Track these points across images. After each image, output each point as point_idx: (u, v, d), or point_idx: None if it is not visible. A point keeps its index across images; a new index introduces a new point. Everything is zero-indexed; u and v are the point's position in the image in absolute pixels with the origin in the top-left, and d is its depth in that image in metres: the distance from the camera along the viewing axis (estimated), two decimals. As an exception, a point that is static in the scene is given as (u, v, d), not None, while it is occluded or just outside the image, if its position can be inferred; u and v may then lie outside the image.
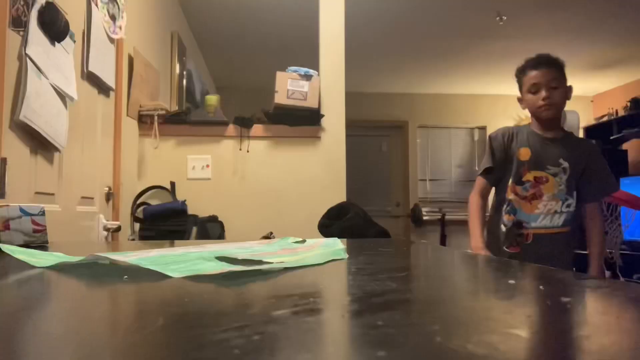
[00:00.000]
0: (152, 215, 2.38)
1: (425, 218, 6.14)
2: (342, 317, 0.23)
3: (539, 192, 1.66)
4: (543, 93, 1.63)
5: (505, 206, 1.71)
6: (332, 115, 2.70)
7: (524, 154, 1.69)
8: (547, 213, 1.66)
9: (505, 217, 1.70)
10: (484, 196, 1.75)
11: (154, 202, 2.51)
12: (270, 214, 2.62)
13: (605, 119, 5.62)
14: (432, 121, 6.35)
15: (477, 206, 1.71)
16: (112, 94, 2.20)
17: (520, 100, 1.75)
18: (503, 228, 1.71)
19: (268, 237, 2.45)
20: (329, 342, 0.19)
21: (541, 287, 0.35)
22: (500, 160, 1.73)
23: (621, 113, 5.39)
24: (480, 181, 1.74)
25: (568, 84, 1.69)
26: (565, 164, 1.66)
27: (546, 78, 1.64)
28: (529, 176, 1.67)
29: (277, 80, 2.60)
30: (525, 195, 1.67)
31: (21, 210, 0.64)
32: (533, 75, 1.67)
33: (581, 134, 5.48)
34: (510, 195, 1.69)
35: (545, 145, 1.70)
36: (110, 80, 2.11)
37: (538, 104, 1.65)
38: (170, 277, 0.36)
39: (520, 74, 1.73)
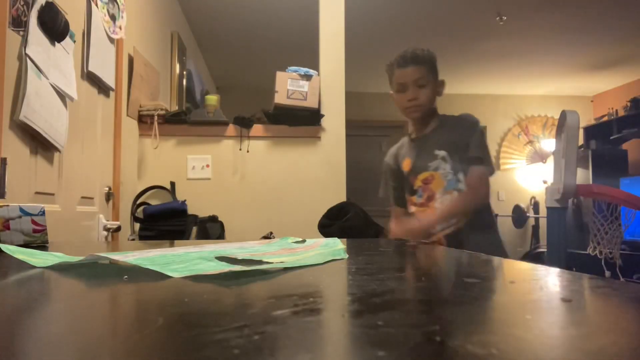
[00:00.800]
0: (152, 215, 2.38)
1: (425, 218, 6.13)
2: (342, 317, 0.23)
3: (430, 193, 1.58)
4: (409, 94, 1.56)
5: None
6: (332, 115, 2.70)
7: (407, 164, 1.64)
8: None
9: None
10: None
11: (154, 202, 2.51)
12: (270, 214, 2.62)
13: (605, 119, 5.62)
14: (432, 121, 6.36)
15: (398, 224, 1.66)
16: (112, 93, 2.20)
17: (392, 97, 1.67)
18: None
19: (268, 237, 2.45)
20: (329, 342, 0.19)
21: (541, 287, 0.35)
22: (397, 182, 1.70)
23: (621, 113, 5.39)
24: (395, 210, 1.70)
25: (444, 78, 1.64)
26: (442, 153, 1.55)
27: (412, 77, 1.56)
28: (418, 182, 1.60)
29: (277, 80, 2.60)
30: (421, 202, 1.59)
31: (21, 210, 0.64)
32: (399, 74, 1.59)
33: (581, 134, 5.47)
34: (412, 208, 1.63)
35: (420, 145, 1.63)
36: (110, 80, 2.11)
37: (405, 104, 1.58)
38: (170, 277, 0.36)
39: (388, 70, 1.65)
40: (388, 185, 1.73)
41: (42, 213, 0.67)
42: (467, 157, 1.55)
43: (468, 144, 1.56)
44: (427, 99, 1.57)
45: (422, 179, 1.58)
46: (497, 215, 5.88)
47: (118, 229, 2.15)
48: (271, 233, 2.50)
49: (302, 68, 2.64)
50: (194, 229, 2.45)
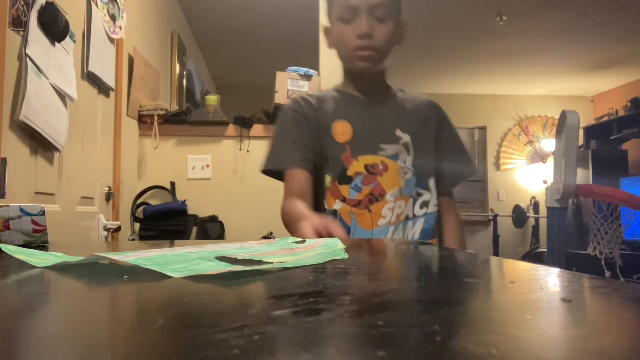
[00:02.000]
0: (152, 215, 2.38)
1: (425, 218, 6.13)
2: (342, 317, 0.23)
3: (378, 189, 1.05)
4: (362, 25, 1.01)
5: None
6: (332, 115, 2.70)
7: (342, 130, 1.07)
8: (396, 222, 1.05)
9: None
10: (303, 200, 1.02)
11: (154, 202, 2.51)
12: (270, 214, 2.61)
13: (605, 119, 5.62)
14: (432, 121, 6.35)
15: (290, 208, 0.98)
16: (112, 93, 2.20)
17: (327, 33, 1.12)
18: None
19: (268, 237, 2.45)
20: (329, 342, 0.19)
21: (541, 287, 0.35)
22: (310, 144, 1.06)
23: (621, 113, 5.39)
24: (291, 179, 1.04)
25: (402, 20, 1.10)
26: (405, 137, 1.08)
27: (368, 2, 1.02)
28: (357, 166, 1.05)
29: (277, 80, 2.60)
30: (358, 199, 1.04)
31: (21, 210, 0.64)
32: None
33: (581, 134, 5.47)
34: (334, 204, 1.05)
35: (369, 112, 1.10)
36: (110, 80, 2.11)
37: (352, 42, 1.03)
38: (170, 277, 0.36)
39: None
40: (286, 143, 1.07)
41: (42, 213, 0.67)
42: (453, 159, 1.16)
43: (441, 137, 1.15)
44: (385, 41, 1.05)
45: (367, 163, 1.05)
46: (497, 215, 5.89)
47: (118, 229, 2.15)
48: (271, 233, 2.50)
49: (302, 68, 2.64)
50: (194, 229, 2.45)
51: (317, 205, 1.08)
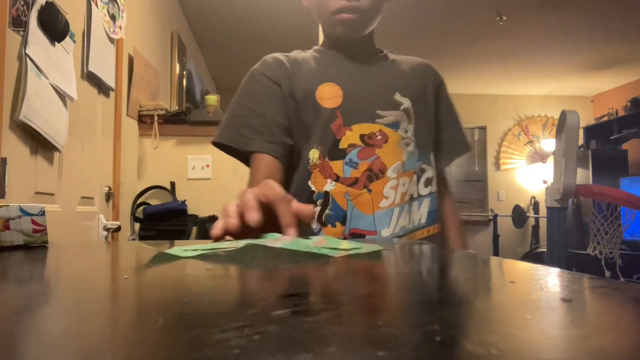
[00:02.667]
0: (152, 215, 2.38)
1: (425, 218, 6.13)
2: (342, 317, 0.23)
3: (378, 164, 0.87)
4: None
5: (317, 210, 0.87)
6: (332, 115, 2.70)
7: (330, 94, 0.89)
8: (401, 203, 0.88)
9: (325, 233, 0.87)
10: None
11: (154, 202, 2.51)
12: (270, 214, 2.62)
13: (605, 119, 5.62)
14: (432, 121, 6.35)
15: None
16: (112, 93, 2.20)
17: None
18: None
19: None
20: (329, 342, 0.19)
21: (541, 287, 0.35)
22: (284, 119, 0.90)
23: (621, 113, 5.40)
24: (257, 166, 0.87)
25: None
26: (406, 102, 0.92)
27: None
28: (351, 136, 0.88)
29: (277, 80, 2.60)
30: (354, 177, 0.87)
31: (21, 210, 0.64)
32: None
33: (581, 134, 5.47)
34: (326, 185, 0.87)
35: (361, 73, 0.95)
36: (110, 80, 2.12)
37: (333, 3, 0.88)
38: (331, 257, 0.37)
39: None
40: (252, 116, 0.91)
41: (42, 213, 0.67)
42: (448, 132, 1.01)
43: (438, 106, 1.00)
44: (373, 1, 0.90)
45: (363, 133, 0.88)
46: (497, 215, 5.89)
47: (118, 229, 2.15)
48: (271, 233, 2.50)
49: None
50: (194, 229, 2.45)
51: (297, 190, 0.90)
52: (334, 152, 0.88)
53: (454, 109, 1.05)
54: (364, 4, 0.88)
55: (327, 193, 0.88)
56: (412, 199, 0.90)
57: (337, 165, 0.88)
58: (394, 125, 0.90)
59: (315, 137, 0.89)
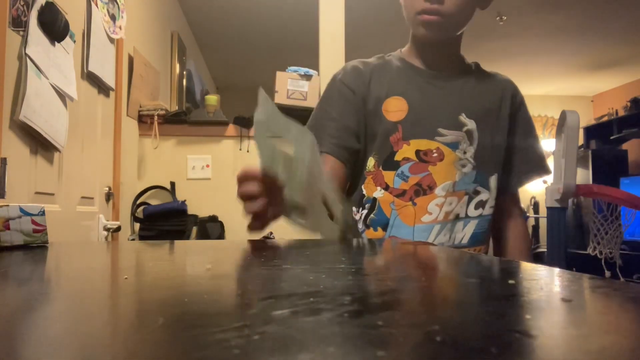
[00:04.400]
0: (152, 215, 2.38)
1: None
2: (342, 317, 0.23)
3: (428, 180, 0.91)
4: None
5: (364, 213, 0.94)
6: (332, 115, 2.70)
7: (396, 107, 0.93)
8: (444, 221, 0.92)
9: (367, 234, 0.94)
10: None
11: (154, 202, 2.51)
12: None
13: (605, 119, 5.62)
14: (432, 121, 6.34)
15: None
16: (112, 94, 2.20)
17: None
18: None
19: (268, 237, 2.46)
20: (329, 342, 0.19)
21: (541, 287, 0.35)
22: (354, 124, 0.94)
23: (621, 113, 5.40)
24: (326, 160, 0.91)
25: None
26: (470, 123, 0.94)
27: None
28: (407, 150, 0.91)
29: (277, 80, 2.61)
30: (402, 189, 0.92)
31: (21, 210, 0.64)
32: None
33: (581, 134, 5.47)
34: (375, 191, 0.93)
35: (432, 89, 0.95)
36: (110, 80, 2.12)
37: (418, 3, 0.89)
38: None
39: None
40: (326, 119, 0.95)
41: (42, 213, 0.67)
42: (519, 153, 1.00)
43: (514, 127, 0.99)
44: (458, 6, 0.88)
45: (420, 149, 0.92)
46: (497, 215, 5.88)
47: (118, 229, 2.15)
48: (271, 233, 2.50)
49: (302, 68, 2.64)
50: (194, 229, 2.45)
51: (353, 191, 0.97)
52: (389, 162, 0.93)
53: (532, 130, 1.05)
54: (447, 8, 0.88)
55: (374, 199, 0.93)
56: (457, 218, 0.93)
57: (389, 176, 0.93)
58: (453, 145, 0.93)
59: (376, 146, 0.94)
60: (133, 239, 2.36)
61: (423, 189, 0.92)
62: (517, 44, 4.79)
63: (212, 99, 2.71)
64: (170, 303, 0.28)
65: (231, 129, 2.63)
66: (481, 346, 0.18)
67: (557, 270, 0.40)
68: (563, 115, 2.37)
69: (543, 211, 5.27)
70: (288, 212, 0.68)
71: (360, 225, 0.95)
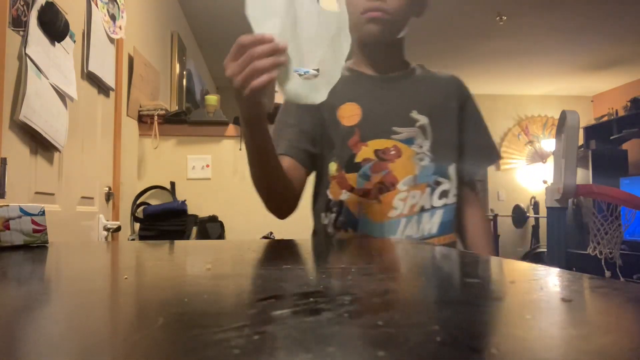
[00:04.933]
0: (152, 215, 2.38)
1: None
2: (342, 317, 0.23)
3: (389, 177, 0.95)
4: None
5: (331, 216, 0.99)
6: (332, 115, 2.70)
7: (350, 112, 0.97)
8: (410, 214, 0.96)
9: (339, 236, 0.98)
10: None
11: (154, 202, 2.51)
12: (270, 214, 2.61)
13: (605, 119, 5.62)
14: (432, 121, 6.34)
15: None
16: (112, 94, 2.20)
17: None
18: None
19: (268, 237, 2.46)
20: (329, 342, 0.19)
21: (541, 287, 0.35)
22: (311, 130, 0.98)
23: (621, 113, 5.40)
24: (281, 161, 0.92)
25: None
26: (423, 119, 0.98)
27: None
28: (366, 152, 0.96)
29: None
30: (366, 188, 0.96)
31: (21, 210, 0.64)
32: None
33: (581, 134, 5.47)
34: (341, 194, 0.97)
35: (382, 91, 1.01)
36: (110, 80, 2.12)
37: (361, 3, 0.93)
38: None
39: None
40: (283, 127, 0.99)
41: (42, 213, 0.67)
42: (470, 143, 1.04)
43: (463, 119, 1.04)
44: (400, 6, 0.94)
45: (378, 148, 0.96)
46: (497, 215, 5.89)
47: (118, 229, 2.15)
48: (271, 233, 2.51)
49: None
50: (194, 229, 2.45)
51: (318, 198, 1.02)
52: (350, 165, 0.97)
53: (481, 121, 1.09)
54: (390, 4, 0.93)
55: (341, 202, 0.98)
56: (423, 210, 0.97)
57: (352, 178, 0.97)
58: (409, 141, 0.97)
59: (335, 151, 0.98)
60: (133, 239, 2.36)
61: (386, 186, 0.96)
62: (517, 44, 4.78)
63: (212, 99, 2.71)
64: (170, 303, 0.28)
65: (231, 129, 2.63)
66: (481, 346, 0.18)
67: (557, 270, 0.40)
68: (563, 115, 2.37)
69: (543, 211, 5.27)
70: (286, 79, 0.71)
71: (330, 229, 0.99)
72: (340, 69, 0.76)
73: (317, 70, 0.73)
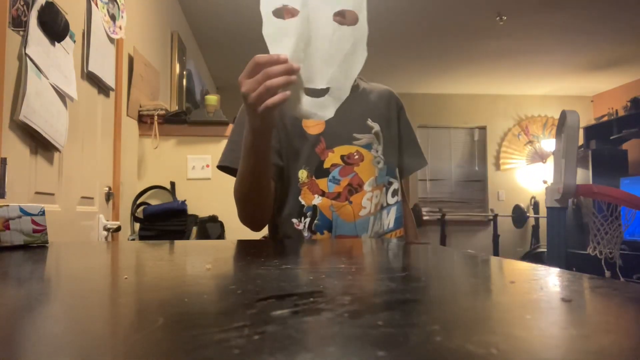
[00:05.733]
0: (152, 215, 2.38)
1: (425, 218, 6.15)
2: (342, 317, 0.23)
3: (356, 180, 1.04)
4: None
5: (306, 221, 1.03)
6: (332, 115, 2.70)
7: (314, 122, 1.05)
8: (375, 212, 1.06)
9: (315, 239, 1.03)
10: None
11: (154, 202, 2.51)
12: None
13: (605, 119, 5.62)
14: (432, 121, 6.36)
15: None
16: (112, 94, 2.20)
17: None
18: None
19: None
20: (329, 342, 0.19)
21: (541, 287, 0.35)
22: (279, 143, 1.05)
23: (621, 113, 5.40)
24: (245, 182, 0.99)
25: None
26: (376, 126, 1.09)
27: None
28: (333, 157, 1.03)
29: (277, 80, 2.60)
30: (337, 192, 1.03)
31: (21, 210, 0.64)
32: None
33: (581, 134, 5.48)
34: (313, 199, 1.03)
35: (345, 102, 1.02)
36: (110, 80, 2.12)
37: None
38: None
39: None
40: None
41: (42, 213, 0.67)
42: (407, 150, 1.16)
43: (399, 128, 1.16)
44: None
45: (343, 154, 1.04)
46: (497, 215, 5.89)
47: (118, 229, 2.15)
48: (271, 233, 2.50)
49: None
50: (194, 229, 2.45)
51: (285, 205, 1.06)
52: (320, 171, 1.04)
53: (412, 130, 1.22)
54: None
55: (315, 206, 1.04)
56: (382, 207, 1.08)
57: (322, 183, 1.04)
58: (368, 147, 1.07)
59: (303, 159, 1.04)
60: (133, 239, 2.36)
61: (354, 188, 1.04)
62: (517, 44, 4.78)
63: (212, 99, 2.71)
64: (170, 303, 0.28)
65: (231, 129, 2.64)
66: (481, 346, 0.18)
67: (557, 270, 0.40)
68: (563, 115, 2.37)
69: (543, 211, 5.27)
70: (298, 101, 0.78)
71: (306, 233, 1.04)
72: (351, 85, 0.80)
73: (327, 88, 0.77)
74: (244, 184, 0.96)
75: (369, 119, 1.09)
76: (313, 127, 1.04)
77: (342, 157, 1.04)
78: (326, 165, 1.03)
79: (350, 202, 1.03)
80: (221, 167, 1.12)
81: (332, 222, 1.02)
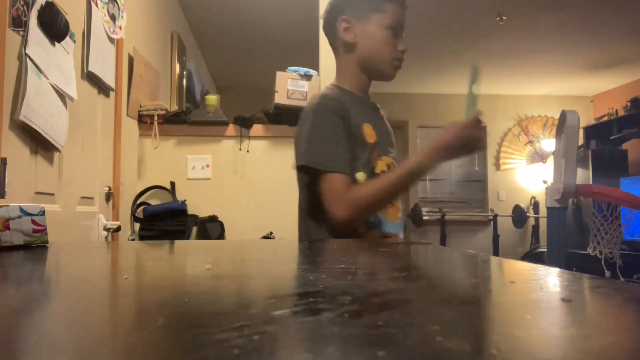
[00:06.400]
0: (152, 215, 2.38)
1: (425, 218, 6.15)
2: (342, 317, 0.23)
3: None
4: (402, 43, 1.20)
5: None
6: (332, 115, 2.70)
7: (369, 132, 1.15)
8: (403, 216, 1.24)
9: (367, 236, 1.13)
10: None
11: (154, 202, 2.51)
12: (270, 214, 2.62)
13: (605, 119, 5.62)
14: (432, 121, 6.36)
15: (373, 185, 1.08)
16: (112, 94, 2.20)
17: (351, 26, 1.17)
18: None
19: (268, 237, 2.46)
20: (329, 342, 0.19)
21: (541, 287, 0.35)
22: (349, 148, 1.12)
23: (621, 113, 5.40)
24: (339, 181, 1.05)
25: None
26: (395, 141, 1.28)
27: (404, 22, 1.23)
28: (382, 165, 1.15)
29: (277, 80, 2.60)
30: None
31: (21, 210, 0.64)
32: (399, 13, 1.23)
33: (581, 134, 5.48)
34: None
35: (377, 115, 1.25)
36: (110, 80, 2.12)
37: (396, 53, 1.18)
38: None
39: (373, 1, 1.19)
40: (329, 143, 1.08)
41: (42, 213, 0.67)
42: None
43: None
44: None
45: (388, 162, 1.18)
46: (497, 215, 5.89)
47: (118, 229, 2.15)
48: (271, 233, 2.51)
49: (302, 68, 2.64)
50: (194, 229, 2.45)
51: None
52: (373, 176, 1.14)
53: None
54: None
55: None
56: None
57: None
58: (396, 159, 1.23)
59: (360, 164, 1.12)
60: (133, 239, 2.36)
61: None
62: (517, 44, 4.78)
63: (212, 99, 2.71)
64: (170, 303, 0.28)
65: (231, 129, 2.63)
66: (481, 346, 0.18)
67: (557, 270, 0.40)
68: (563, 115, 2.37)
69: (543, 211, 5.27)
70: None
71: (361, 230, 1.14)
72: None
73: None
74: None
75: (392, 135, 1.26)
76: (369, 136, 1.15)
77: (388, 165, 1.17)
78: (377, 170, 1.14)
79: (393, 205, 1.16)
80: (302, 167, 1.14)
81: (382, 221, 1.14)
